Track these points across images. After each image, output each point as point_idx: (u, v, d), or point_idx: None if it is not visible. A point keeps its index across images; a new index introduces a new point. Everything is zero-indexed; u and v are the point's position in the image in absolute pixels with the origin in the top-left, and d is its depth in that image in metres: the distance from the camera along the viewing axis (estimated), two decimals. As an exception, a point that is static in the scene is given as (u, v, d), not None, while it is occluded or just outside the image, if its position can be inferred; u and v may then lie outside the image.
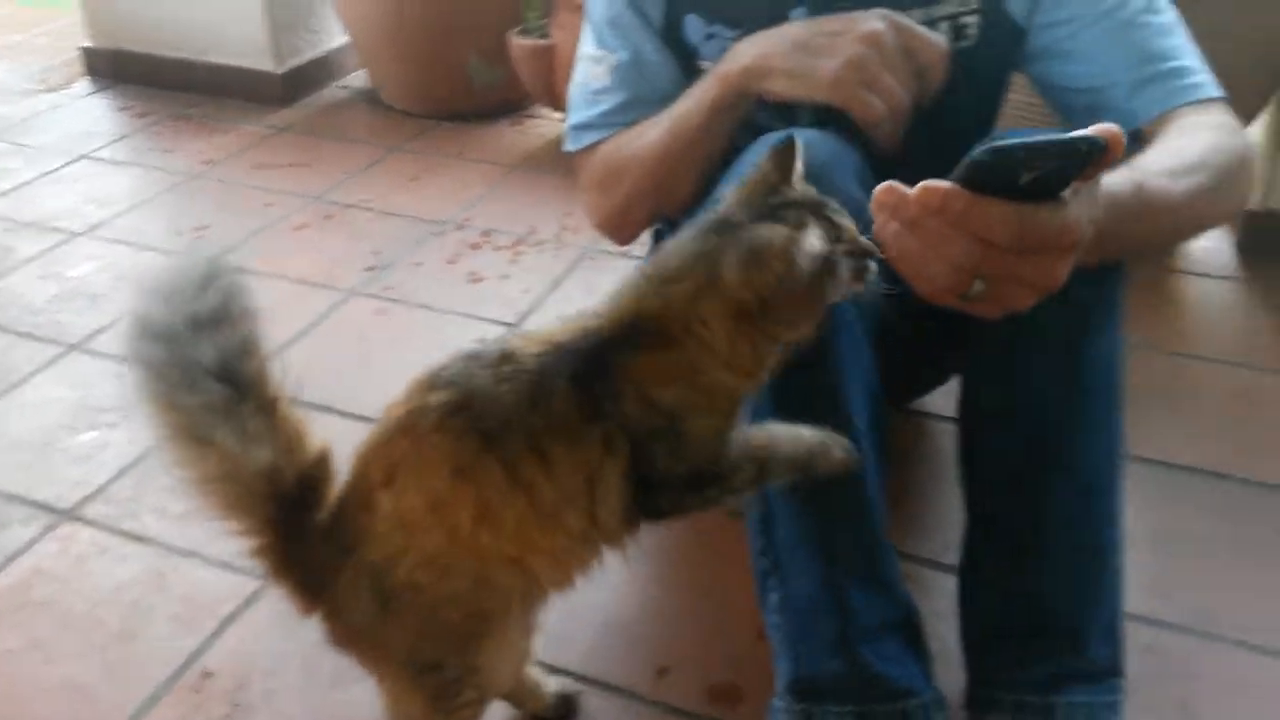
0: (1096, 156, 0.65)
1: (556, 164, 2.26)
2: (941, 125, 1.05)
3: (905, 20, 1.00)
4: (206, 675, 1.10)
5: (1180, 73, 1.02)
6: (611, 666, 1.11)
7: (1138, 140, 1.06)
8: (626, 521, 0.81)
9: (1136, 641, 1.13)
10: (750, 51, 1.02)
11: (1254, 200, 1.94)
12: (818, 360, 0.95)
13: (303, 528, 0.82)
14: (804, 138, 1.00)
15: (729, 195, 0.80)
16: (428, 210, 2.12)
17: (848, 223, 0.77)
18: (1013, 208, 0.66)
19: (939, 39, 1.01)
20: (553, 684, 1.05)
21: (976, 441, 1.02)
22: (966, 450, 1.04)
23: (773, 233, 0.73)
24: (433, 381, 0.78)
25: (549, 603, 0.87)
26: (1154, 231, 0.88)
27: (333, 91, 2.79)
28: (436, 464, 0.76)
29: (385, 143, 2.45)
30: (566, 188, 2.13)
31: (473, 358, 0.78)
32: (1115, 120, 1.06)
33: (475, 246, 1.98)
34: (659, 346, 0.76)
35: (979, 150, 0.64)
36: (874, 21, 0.98)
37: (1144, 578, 1.22)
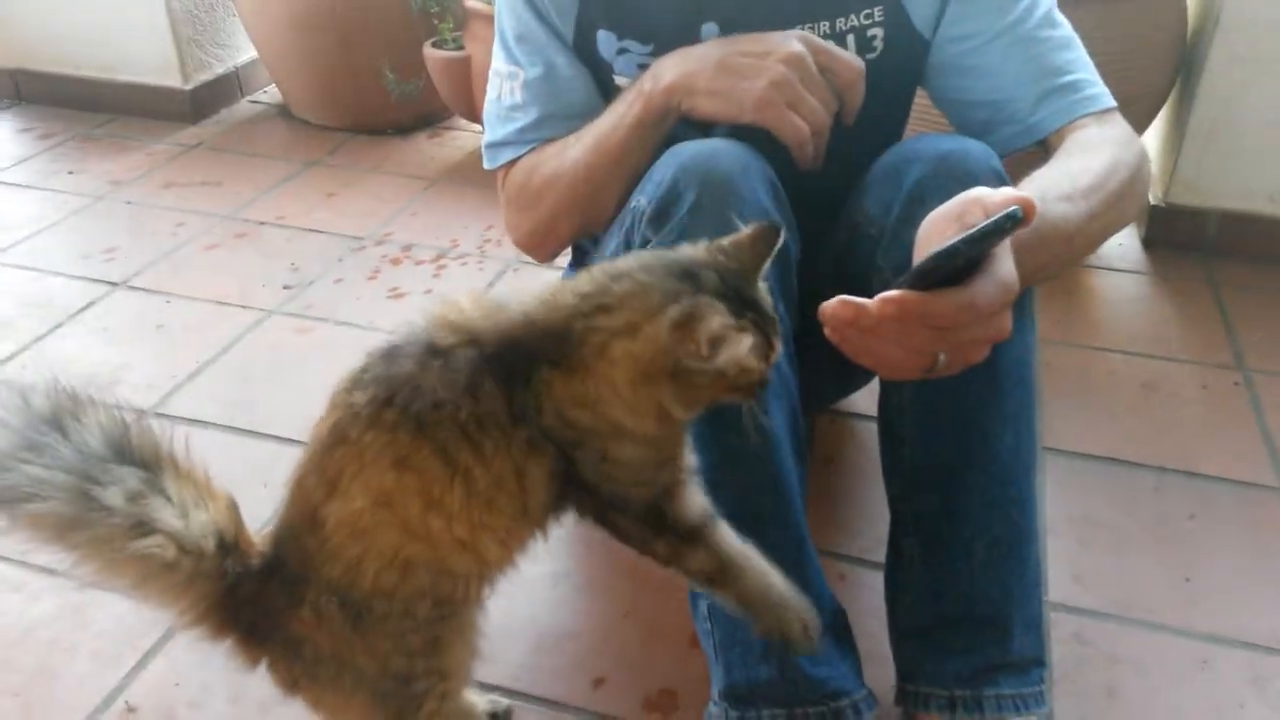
0: (1017, 226, 0.71)
1: (477, 177, 2.24)
2: (852, 136, 1.07)
3: (821, 41, 1.02)
4: (130, 711, 1.06)
5: (1079, 85, 1.07)
6: (547, 680, 1.10)
7: (1043, 148, 1.10)
8: (557, 515, 0.82)
9: (1061, 630, 1.17)
10: (673, 70, 1.03)
11: (1156, 196, 2.02)
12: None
13: (237, 579, 0.79)
14: (714, 146, 1.01)
15: (701, 246, 0.79)
16: (346, 226, 2.09)
17: (779, 345, 0.79)
18: (963, 293, 0.73)
19: (855, 59, 1.03)
20: (482, 702, 1.04)
21: (896, 441, 1.04)
22: (887, 449, 1.05)
23: (720, 320, 0.72)
24: (354, 383, 0.77)
25: (495, 586, 0.86)
26: (1054, 257, 0.91)
27: (244, 107, 2.73)
28: (376, 460, 0.75)
29: (300, 158, 2.41)
30: (488, 201, 2.12)
31: (391, 353, 0.77)
32: (1019, 132, 1.11)
33: (396, 262, 1.95)
34: (573, 369, 0.76)
35: (925, 259, 0.71)
36: (793, 43, 1.00)
37: (1064, 567, 1.25)
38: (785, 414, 0.98)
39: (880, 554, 1.05)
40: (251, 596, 0.80)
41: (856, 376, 1.38)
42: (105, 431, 0.75)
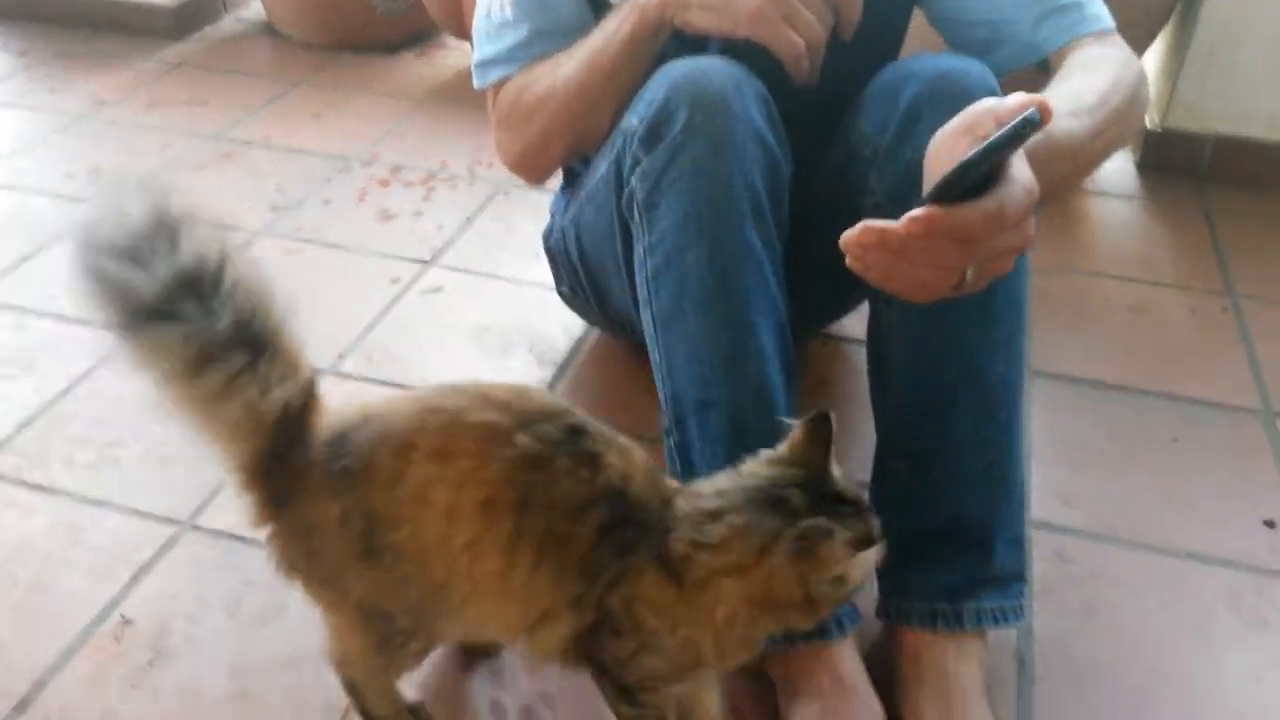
0: (1035, 129, 0.71)
1: (467, 96, 2.19)
2: (848, 53, 1.06)
3: None
4: (126, 623, 1.08)
5: (1080, 4, 1.06)
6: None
7: (1044, 68, 1.09)
8: (554, 655, 0.84)
9: (1044, 548, 1.19)
10: None
11: (1153, 120, 2.00)
12: (725, 292, 0.96)
13: (290, 444, 0.80)
14: (706, 64, 1.00)
15: (764, 461, 0.80)
16: (333, 147, 2.06)
17: (875, 524, 0.78)
18: (989, 201, 0.72)
19: None
20: None
21: (885, 366, 1.04)
22: (875, 370, 1.06)
23: (840, 540, 0.73)
24: (530, 422, 0.79)
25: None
26: (1061, 175, 0.91)
27: (228, 24, 2.67)
28: (478, 486, 0.77)
29: (286, 77, 2.37)
30: (478, 121, 2.09)
31: (570, 438, 0.79)
32: (1019, 51, 1.09)
33: (384, 183, 1.93)
34: (669, 579, 0.77)
35: (948, 171, 0.70)
36: None
37: (1050, 487, 1.27)
38: (773, 332, 0.99)
39: (867, 473, 1.06)
40: (292, 467, 0.80)
41: (847, 300, 1.38)
42: (234, 312, 0.75)
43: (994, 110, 0.77)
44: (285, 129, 2.13)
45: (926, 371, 1.00)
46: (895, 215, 0.99)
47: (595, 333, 1.52)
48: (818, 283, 1.23)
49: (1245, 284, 1.67)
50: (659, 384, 1.03)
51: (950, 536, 0.99)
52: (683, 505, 0.79)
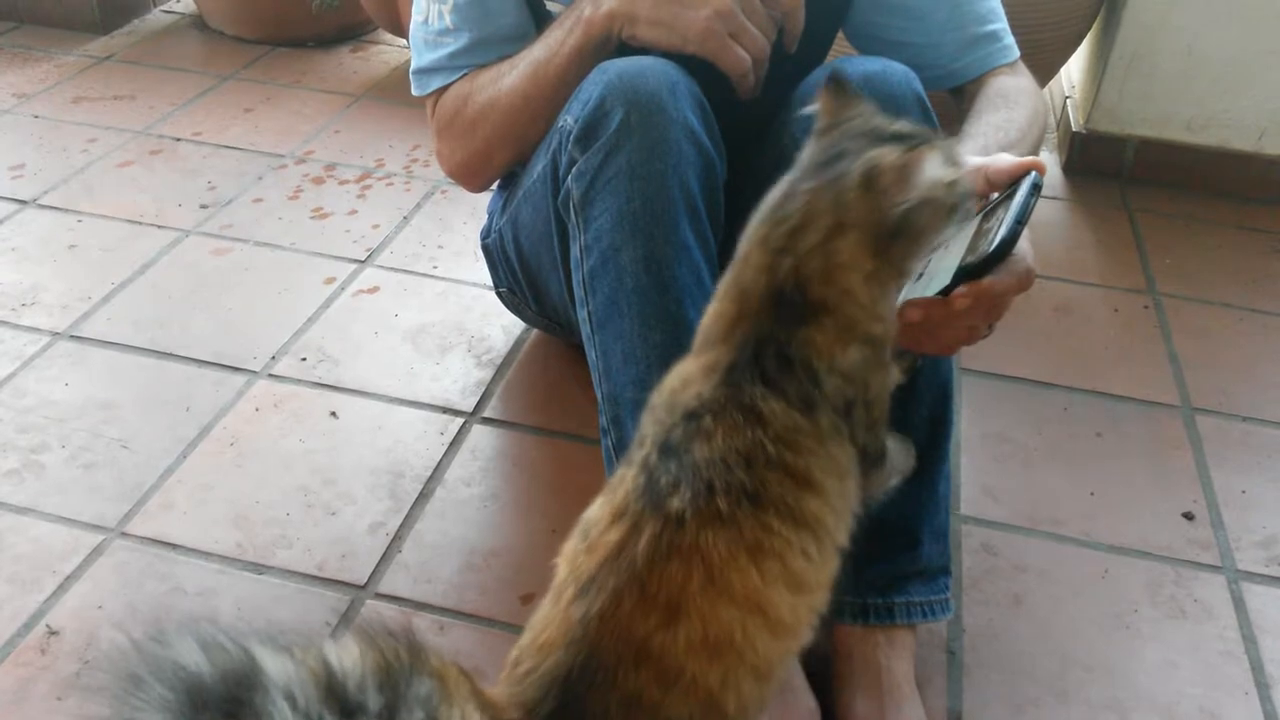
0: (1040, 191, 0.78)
1: (403, 93, 2.18)
2: (783, 63, 1.07)
3: None
4: (52, 634, 1.06)
5: (998, 35, 1.12)
6: (476, 597, 1.12)
7: (958, 95, 1.14)
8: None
9: (972, 542, 1.22)
10: None
11: (1078, 123, 2.06)
12: (661, 291, 0.97)
13: None
14: (642, 65, 1.01)
15: (810, 141, 0.76)
16: (265, 143, 2.02)
17: (957, 154, 0.74)
18: (1019, 265, 0.77)
19: None
20: None
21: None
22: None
23: (891, 155, 0.68)
24: (654, 493, 0.67)
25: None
26: None
27: (156, 17, 2.61)
28: (731, 560, 0.65)
29: (216, 71, 2.32)
30: (415, 118, 2.07)
31: (667, 450, 0.68)
32: (939, 77, 1.14)
33: (319, 181, 1.90)
34: (815, 314, 0.70)
35: (990, 249, 0.74)
36: None
37: (976, 481, 1.30)
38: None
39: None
40: None
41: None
42: None
43: (983, 170, 0.82)
44: (216, 125, 2.09)
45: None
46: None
47: (534, 333, 1.52)
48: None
49: (1166, 282, 1.72)
50: (596, 384, 1.04)
51: (879, 533, 1.00)
52: (763, 231, 0.72)
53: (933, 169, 0.68)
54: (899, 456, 0.83)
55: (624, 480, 0.70)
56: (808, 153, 0.75)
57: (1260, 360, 1.55)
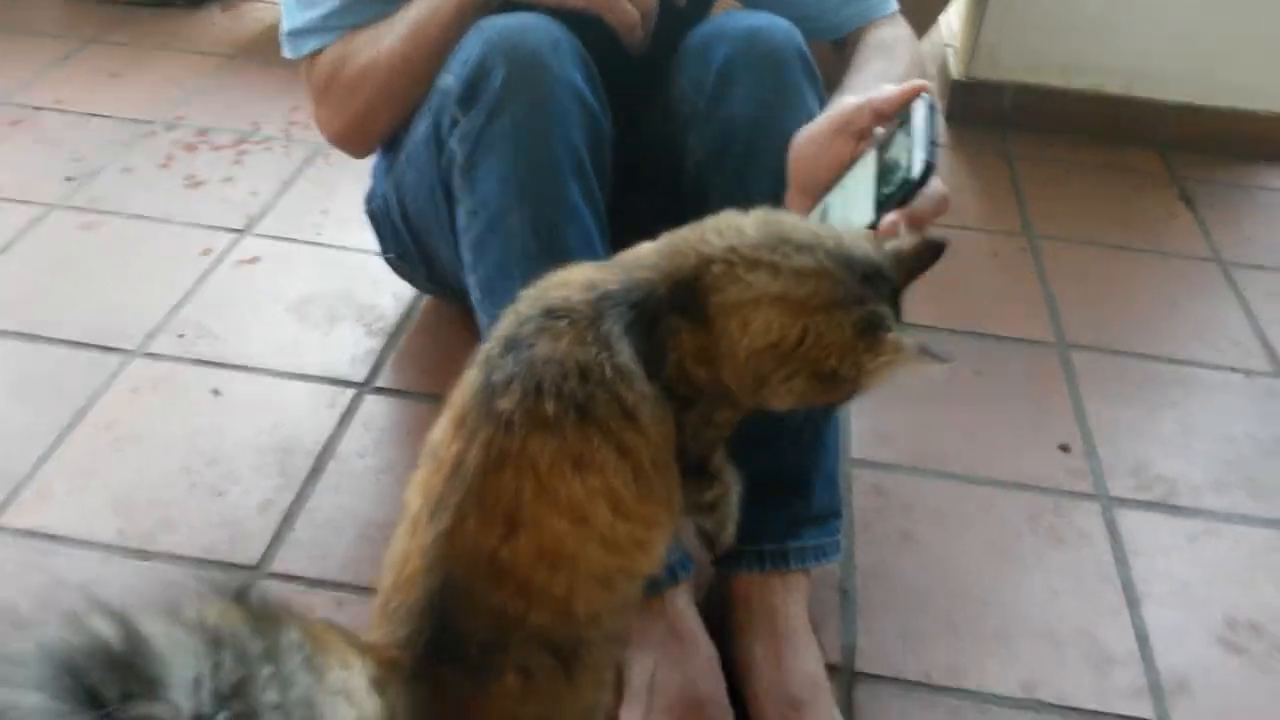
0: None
1: (278, 52, 2.10)
2: (668, 17, 1.07)
3: None
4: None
5: None
6: (374, 571, 1.09)
7: (839, 48, 1.15)
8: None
9: (863, 484, 1.25)
10: None
11: (958, 70, 2.10)
12: (550, 254, 0.96)
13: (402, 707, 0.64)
14: (523, 21, 0.99)
15: (874, 243, 0.71)
16: (134, 109, 1.93)
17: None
18: (937, 192, 0.78)
19: None
20: None
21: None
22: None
23: (909, 339, 0.68)
24: (486, 391, 0.65)
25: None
26: None
27: (7, -23, 2.45)
28: (555, 468, 0.64)
29: (78, 35, 2.20)
30: (292, 78, 1.98)
31: (510, 343, 0.66)
32: (822, 29, 1.15)
33: (191, 148, 1.82)
34: (702, 320, 0.68)
35: (913, 176, 0.75)
36: None
37: (865, 426, 1.34)
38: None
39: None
40: (423, 708, 0.65)
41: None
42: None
43: (869, 104, 0.82)
44: (79, 91, 1.98)
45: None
46: (717, 173, 1.02)
47: (426, 299, 1.49)
48: (642, 239, 1.24)
49: (1042, 224, 1.78)
50: (486, 350, 1.02)
51: (773, 482, 1.03)
52: (721, 237, 0.69)
53: (929, 370, 0.69)
54: (735, 495, 0.81)
55: (462, 384, 0.68)
56: (862, 245, 0.70)
57: (1131, 295, 1.63)
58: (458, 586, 0.65)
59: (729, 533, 0.81)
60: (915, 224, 0.76)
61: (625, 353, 0.66)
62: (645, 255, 0.72)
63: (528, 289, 0.71)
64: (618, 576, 0.68)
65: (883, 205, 0.76)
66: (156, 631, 0.53)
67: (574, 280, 0.69)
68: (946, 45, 2.21)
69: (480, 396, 0.66)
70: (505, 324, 0.69)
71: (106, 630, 0.52)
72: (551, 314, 0.67)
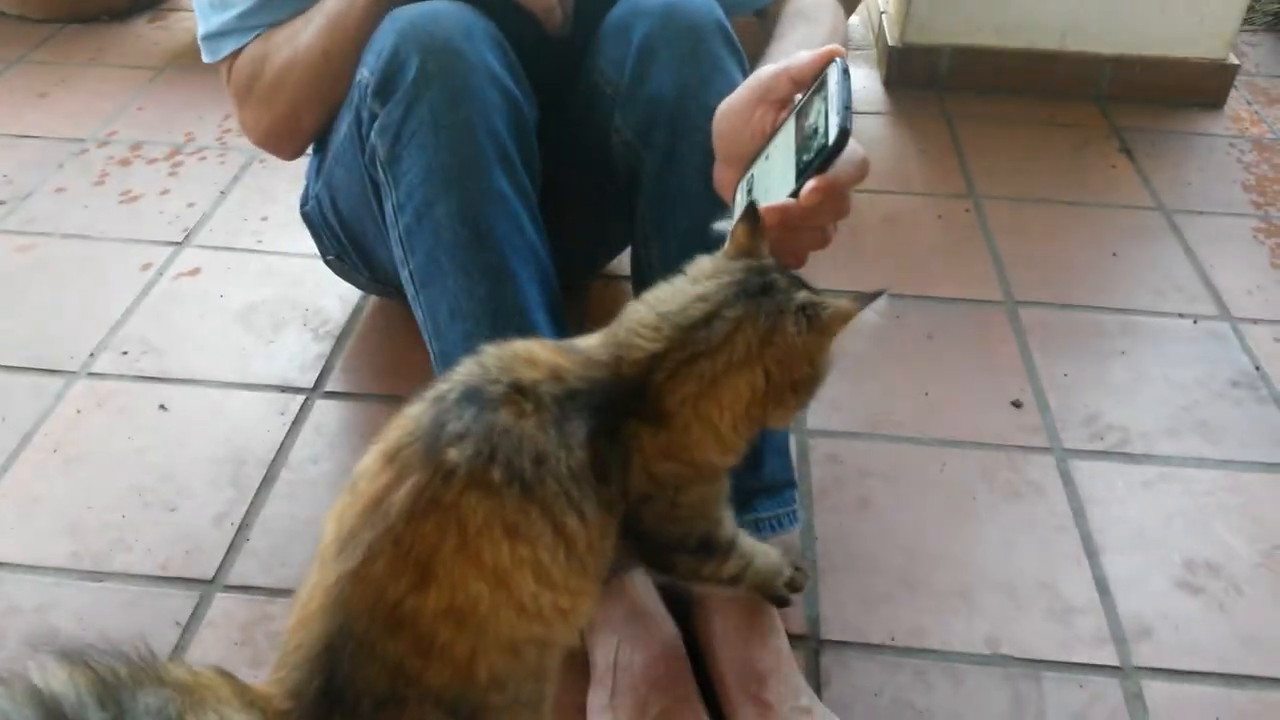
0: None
1: (209, 62, 2.07)
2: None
3: None
4: None
5: None
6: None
7: (762, 18, 1.14)
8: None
9: (819, 454, 1.26)
10: None
11: (894, 37, 2.10)
12: (480, 244, 0.96)
13: None
14: (435, 9, 0.98)
15: (717, 263, 0.74)
16: (64, 128, 1.89)
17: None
18: (855, 156, 0.77)
19: None
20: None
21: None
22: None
23: (838, 300, 0.72)
24: (436, 438, 0.64)
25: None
26: None
27: (-75, 1, 2.40)
28: (485, 530, 0.62)
29: (2, 55, 2.15)
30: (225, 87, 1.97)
31: (472, 396, 0.66)
32: (740, 1, 1.14)
33: (125, 163, 1.79)
34: (660, 425, 0.71)
35: (829, 141, 0.73)
36: None
37: (821, 397, 1.33)
38: (535, 280, 0.99)
39: (644, 406, 1.08)
40: None
41: (611, 240, 1.40)
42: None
43: (786, 71, 0.81)
44: (7, 114, 1.94)
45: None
46: (646, 152, 1.02)
47: (373, 299, 1.48)
48: (578, 225, 1.24)
49: (984, 184, 1.79)
50: (428, 344, 1.02)
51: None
52: (646, 342, 0.71)
53: (871, 317, 0.73)
54: (761, 557, 0.88)
55: (403, 420, 0.67)
56: (714, 275, 0.73)
57: (1074, 249, 1.64)
58: (355, 633, 0.62)
59: (805, 581, 0.91)
60: (835, 189, 0.75)
61: (581, 458, 0.67)
62: (596, 351, 0.73)
63: (495, 348, 0.72)
64: (529, 645, 0.67)
65: (803, 173, 0.75)
66: None
67: (542, 363, 0.70)
68: (882, 12, 2.22)
69: (426, 439, 0.64)
70: (466, 372, 0.69)
71: None
72: (519, 390, 0.67)
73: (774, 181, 0.79)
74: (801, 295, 0.73)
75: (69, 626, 1.03)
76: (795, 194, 0.75)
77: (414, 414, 0.67)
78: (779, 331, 0.71)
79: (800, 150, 0.76)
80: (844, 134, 0.73)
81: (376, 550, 0.62)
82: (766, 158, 0.81)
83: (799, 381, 0.73)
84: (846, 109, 0.74)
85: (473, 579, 0.62)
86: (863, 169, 0.78)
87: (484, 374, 0.68)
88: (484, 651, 0.64)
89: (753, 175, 0.83)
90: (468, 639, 0.63)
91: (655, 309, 0.73)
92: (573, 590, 0.67)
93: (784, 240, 0.79)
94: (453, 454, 0.63)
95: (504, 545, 0.63)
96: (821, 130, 0.74)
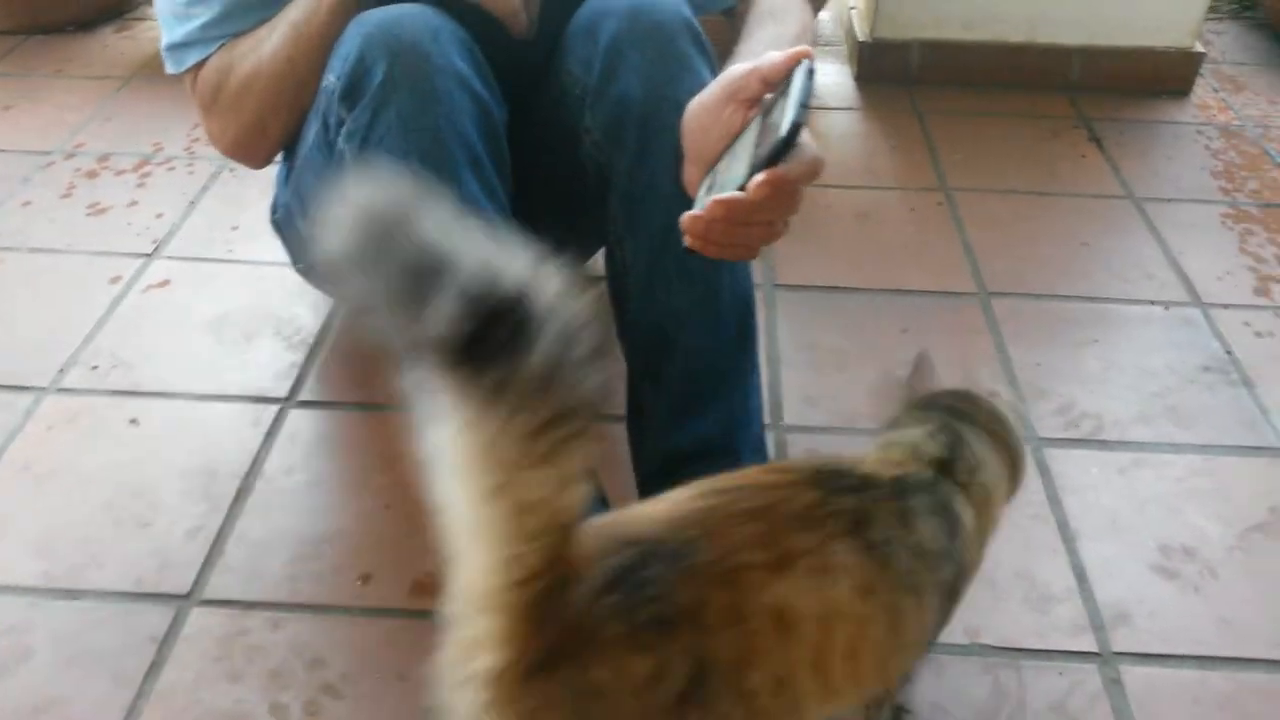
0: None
1: (176, 72, 2.05)
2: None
3: None
4: None
5: None
6: (311, 587, 1.09)
7: (730, 17, 1.14)
8: None
9: (797, 449, 1.26)
10: None
11: (865, 33, 2.11)
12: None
13: (564, 579, 0.61)
14: (400, 12, 0.97)
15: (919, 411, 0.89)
16: (29, 141, 1.87)
17: None
18: (807, 155, 0.76)
19: None
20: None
21: (623, 296, 1.06)
22: (616, 304, 1.08)
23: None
24: (826, 482, 0.71)
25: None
26: None
27: (-116, 15, 2.36)
28: (840, 572, 0.66)
29: (-36, 70, 2.13)
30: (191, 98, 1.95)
31: (838, 475, 0.74)
32: (711, 1, 1.13)
33: (92, 174, 1.77)
34: (975, 507, 0.81)
35: (781, 135, 0.73)
36: None
37: (796, 391, 1.34)
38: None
39: (619, 408, 1.08)
40: (565, 614, 0.60)
41: (584, 241, 1.39)
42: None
43: (756, 71, 0.81)
44: (-30, 128, 1.92)
45: (660, 299, 1.03)
46: (616, 152, 1.01)
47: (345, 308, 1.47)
48: (551, 228, 1.23)
49: (956, 177, 1.80)
50: (400, 352, 1.01)
51: (705, 452, 1.03)
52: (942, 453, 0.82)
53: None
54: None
55: (889, 444, 0.82)
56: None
57: (1045, 239, 1.65)
58: (695, 557, 0.64)
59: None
60: (784, 184, 0.75)
61: (926, 540, 0.75)
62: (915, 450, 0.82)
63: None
64: (800, 693, 0.67)
65: (755, 167, 0.75)
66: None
67: (876, 459, 0.81)
68: (850, 8, 2.22)
69: (810, 472, 0.72)
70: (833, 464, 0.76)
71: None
72: (868, 483, 0.75)
73: (733, 178, 0.79)
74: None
75: (44, 647, 1.02)
76: (743, 186, 0.75)
77: (895, 441, 0.84)
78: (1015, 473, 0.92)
79: (758, 146, 0.77)
80: (795, 128, 0.73)
81: (750, 517, 0.66)
82: (731, 154, 0.81)
83: None
84: (803, 106, 0.74)
85: (813, 602, 0.65)
86: (814, 166, 0.78)
87: (902, 474, 0.79)
88: (769, 665, 0.65)
89: (715, 172, 0.83)
90: (768, 643, 0.64)
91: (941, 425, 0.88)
92: (857, 679, 0.70)
93: (732, 233, 0.79)
94: (837, 503, 0.70)
95: (848, 594, 0.67)
96: (779, 126, 0.74)
